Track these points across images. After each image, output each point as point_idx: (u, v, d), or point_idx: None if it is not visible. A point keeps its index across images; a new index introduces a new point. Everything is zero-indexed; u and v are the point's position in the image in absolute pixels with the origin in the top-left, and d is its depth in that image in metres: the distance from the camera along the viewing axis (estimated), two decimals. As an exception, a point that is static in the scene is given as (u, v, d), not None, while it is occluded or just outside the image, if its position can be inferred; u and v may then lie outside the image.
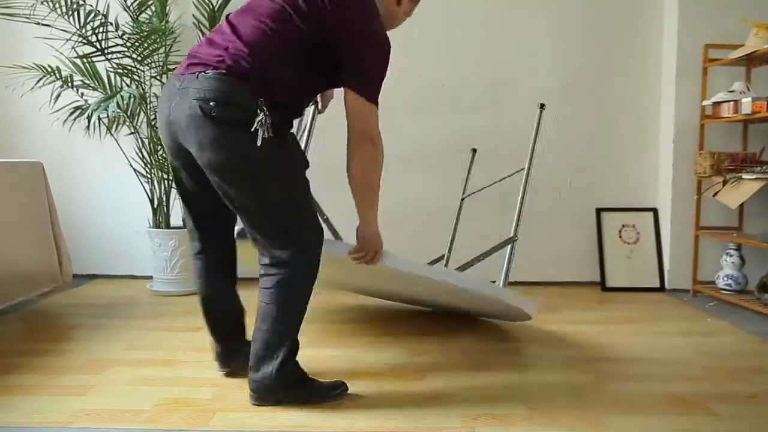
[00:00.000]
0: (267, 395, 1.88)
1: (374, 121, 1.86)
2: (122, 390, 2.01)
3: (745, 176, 3.08)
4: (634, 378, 2.18)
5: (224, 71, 1.75)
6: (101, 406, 1.88)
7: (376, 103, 1.86)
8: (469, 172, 3.16)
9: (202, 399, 1.94)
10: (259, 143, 1.72)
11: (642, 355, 2.45)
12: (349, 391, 1.96)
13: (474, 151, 3.15)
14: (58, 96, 3.38)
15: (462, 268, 2.44)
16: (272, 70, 1.80)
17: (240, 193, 1.82)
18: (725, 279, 3.37)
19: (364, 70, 1.85)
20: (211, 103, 1.72)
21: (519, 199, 2.67)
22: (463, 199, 3.14)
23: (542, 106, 2.59)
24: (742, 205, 3.47)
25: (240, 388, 2.02)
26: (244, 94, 1.75)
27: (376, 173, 1.90)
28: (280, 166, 1.82)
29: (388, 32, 1.94)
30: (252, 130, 1.72)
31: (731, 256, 3.38)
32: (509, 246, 2.57)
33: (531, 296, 3.49)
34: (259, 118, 1.72)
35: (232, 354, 2.12)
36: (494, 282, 2.58)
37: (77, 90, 3.44)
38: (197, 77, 1.77)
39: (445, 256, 3.07)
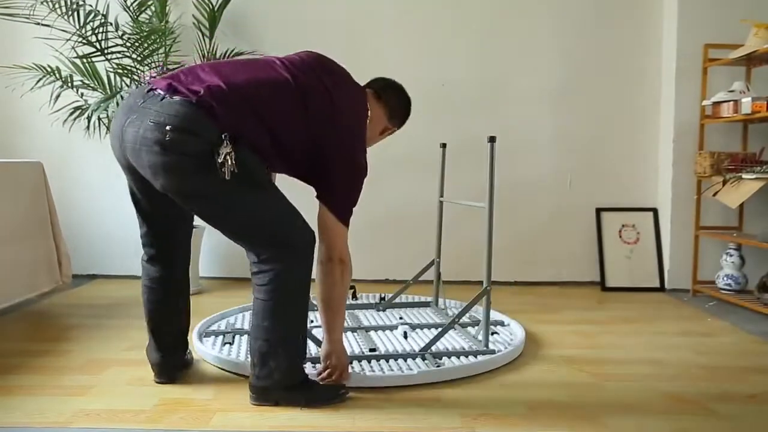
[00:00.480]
0: (267, 395, 1.87)
1: (345, 240, 1.95)
2: (122, 390, 2.01)
3: (745, 176, 3.08)
4: (634, 378, 2.18)
5: (193, 100, 1.69)
6: (101, 406, 1.88)
7: (347, 225, 1.94)
8: (443, 170, 3.06)
9: (202, 399, 1.94)
10: (227, 177, 1.66)
11: (642, 355, 2.45)
12: (349, 395, 1.96)
13: (443, 146, 3.04)
14: (58, 96, 3.38)
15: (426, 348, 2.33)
16: (246, 125, 1.75)
17: (202, 214, 1.82)
18: (725, 279, 3.37)
19: (341, 192, 1.92)
20: (167, 127, 1.66)
21: (486, 244, 2.36)
22: (442, 202, 3.05)
23: (492, 138, 2.43)
24: (742, 205, 3.47)
25: (240, 388, 2.02)
26: (207, 125, 1.68)
27: (342, 294, 1.98)
28: (240, 192, 1.74)
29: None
30: (214, 161, 1.66)
31: (731, 255, 3.38)
32: (485, 297, 2.37)
33: (532, 296, 3.50)
34: (223, 151, 1.65)
35: (175, 367, 2.10)
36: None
37: (77, 90, 3.44)
38: (161, 99, 1.71)
39: (435, 262, 3.03)
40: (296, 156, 1.88)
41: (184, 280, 2.11)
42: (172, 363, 2.10)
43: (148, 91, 1.75)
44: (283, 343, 1.84)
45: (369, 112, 2.03)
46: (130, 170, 1.85)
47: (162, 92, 1.72)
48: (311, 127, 1.85)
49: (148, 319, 2.06)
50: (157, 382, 2.06)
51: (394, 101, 2.12)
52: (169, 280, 2.05)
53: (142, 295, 2.07)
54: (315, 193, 1.94)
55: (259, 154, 1.80)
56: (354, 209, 1.96)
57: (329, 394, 1.93)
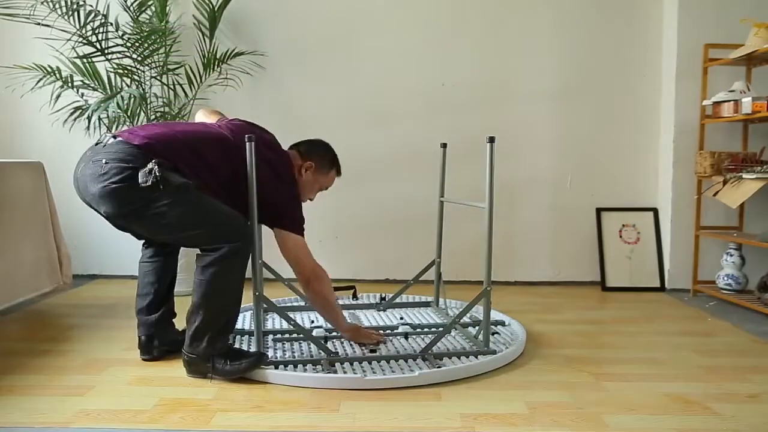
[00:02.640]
0: (195, 368, 2.11)
1: (307, 252, 2.25)
2: (122, 390, 2.01)
3: (745, 176, 3.08)
4: (634, 378, 2.18)
5: (136, 142, 1.99)
6: (101, 406, 1.88)
7: (302, 233, 2.24)
8: (443, 170, 3.07)
9: (203, 399, 1.94)
10: (151, 188, 1.93)
11: (642, 355, 2.45)
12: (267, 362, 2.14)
13: (444, 145, 3.05)
14: (59, 96, 3.38)
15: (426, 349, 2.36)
16: (181, 158, 2.04)
17: (147, 230, 2.15)
18: (725, 279, 3.37)
19: (288, 212, 2.23)
20: (103, 161, 1.95)
21: (486, 244, 2.35)
22: (442, 202, 3.05)
23: (491, 139, 2.43)
24: (742, 205, 3.47)
25: (240, 388, 2.02)
26: (138, 155, 1.97)
27: (329, 298, 2.31)
28: (170, 198, 1.97)
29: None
30: (140, 181, 1.92)
31: (731, 255, 3.38)
32: (485, 297, 2.37)
33: (532, 296, 3.50)
34: (147, 168, 1.92)
35: (156, 345, 2.34)
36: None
37: (77, 90, 3.44)
38: (107, 142, 2.03)
39: (436, 262, 3.03)
40: (221, 179, 2.14)
41: (175, 259, 2.43)
42: (162, 338, 2.34)
43: (96, 144, 2.07)
44: (217, 320, 2.09)
45: (297, 168, 2.35)
46: (91, 206, 2.10)
47: (107, 138, 2.05)
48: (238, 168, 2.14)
49: (139, 284, 2.40)
50: (143, 359, 2.31)
51: (319, 152, 2.43)
52: (162, 254, 2.38)
53: (138, 272, 2.42)
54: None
55: (186, 175, 2.04)
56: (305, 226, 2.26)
57: (251, 364, 2.10)
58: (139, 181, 1.91)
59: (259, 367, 2.10)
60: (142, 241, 2.40)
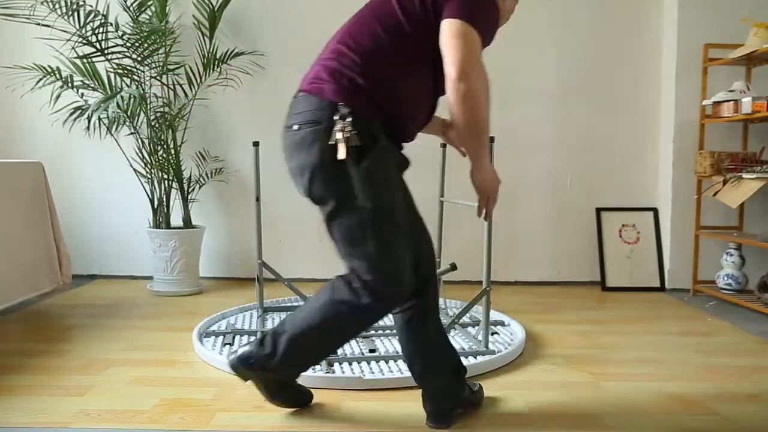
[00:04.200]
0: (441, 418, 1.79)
1: (466, 47, 1.55)
2: (122, 390, 2.01)
3: (745, 176, 3.08)
4: (634, 378, 2.18)
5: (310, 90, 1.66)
6: (101, 406, 1.88)
7: (474, 25, 1.56)
8: (443, 170, 3.06)
9: (203, 399, 1.94)
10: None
11: (642, 355, 2.45)
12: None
13: (444, 145, 3.05)
14: (58, 96, 3.38)
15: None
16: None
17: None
18: (725, 278, 3.37)
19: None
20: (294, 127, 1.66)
21: (486, 244, 2.33)
22: (442, 202, 3.05)
23: (491, 139, 2.38)
24: (742, 205, 3.47)
25: (240, 388, 2.02)
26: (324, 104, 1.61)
27: (480, 113, 1.60)
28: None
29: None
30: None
31: (731, 255, 3.38)
32: (485, 297, 2.37)
33: (532, 296, 3.50)
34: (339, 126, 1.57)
35: None
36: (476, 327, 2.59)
37: (77, 90, 3.44)
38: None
39: (437, 262, 3.03)
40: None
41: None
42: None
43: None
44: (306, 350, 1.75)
45: None
46: None
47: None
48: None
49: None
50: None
51: None
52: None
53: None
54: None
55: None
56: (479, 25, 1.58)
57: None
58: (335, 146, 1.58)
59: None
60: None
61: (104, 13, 3.29)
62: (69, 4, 3.18)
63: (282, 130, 1.71)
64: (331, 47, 1.69)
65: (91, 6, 3.27)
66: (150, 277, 3.56)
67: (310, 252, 3.71)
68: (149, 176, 3.46)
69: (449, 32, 1.56)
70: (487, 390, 2.04)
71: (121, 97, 3.15)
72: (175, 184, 3.46)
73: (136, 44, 3.31)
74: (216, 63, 3.51)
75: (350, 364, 2.21)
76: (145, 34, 3.29)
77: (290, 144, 1.66)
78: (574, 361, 2.35)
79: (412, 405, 1.91)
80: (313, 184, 1.64)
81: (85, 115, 3.35)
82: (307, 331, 1.70)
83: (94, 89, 3.43)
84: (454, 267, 2.49)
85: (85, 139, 3.63)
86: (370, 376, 2.09)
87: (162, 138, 3.41)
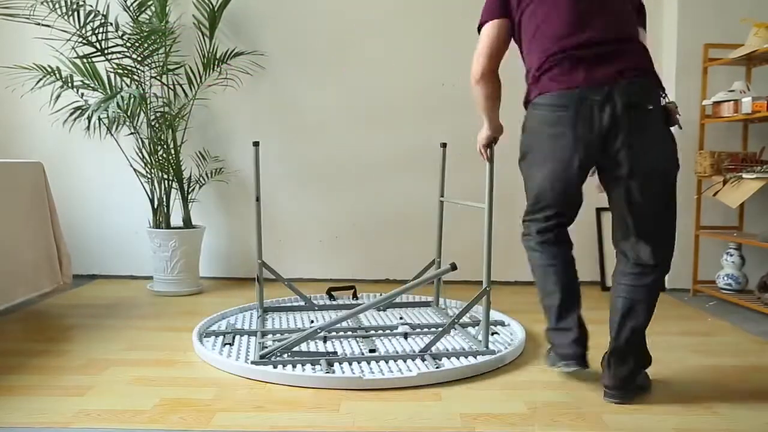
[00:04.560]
0: (628, 391, 1.97)
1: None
2: (122, 390, 2.01)
3: (745, 176, 3.08)
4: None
5: None
6: (101, 406, 1.88)
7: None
8: (443, 170, 3.07)
9: (203, 399, 1.94)
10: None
11: (642, 354, 2.45)
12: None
13: (444, 145, 3.06)
14: (58, 96, 3.38)
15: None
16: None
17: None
18: (725, 278, 3.37)
19: None
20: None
21: (486, 244, 2.39)
22: (442, 202, 3.06)
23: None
24: (742, 205, 3.47)
25: (240, 388, 2.02)
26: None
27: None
28: None
29: None
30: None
31: (731, 255, 3.38)
32: (485, 297, 2.38)
33: (532, 296, 3.49)
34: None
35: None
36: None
37: (77, 90, 3.44)
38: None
39: (436, 262, 3.03)
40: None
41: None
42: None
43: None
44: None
45: None
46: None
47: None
48: None
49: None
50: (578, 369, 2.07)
51: None
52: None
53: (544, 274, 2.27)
54: None
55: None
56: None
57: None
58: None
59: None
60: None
61: (104, 13, 3.29)
62: (69, 4, 3.18)
63: None
64: None
65: (91, 6, 3.27)
66: (150, 277, 3.57)
67: (310, 252, 3.72)
68: (149, 176, 3.46)
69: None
70: (488, 390, 2.04)
71: (121, 97, 3.15)
72: (175, 184, 3.46)
73: (136, 44, 3.31)
74: (216, 63, 3.51)
75: (350, 364, 2.21)
76: (145, 34, 3.29)
77: None
78: (574, 361, 2.34)
79: (412, 405, 1.91)
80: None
81: (85, 115, 3.35)
82: None
83: (94, 89, 3.43)
84: (454, 267, 2.50)
85: (85, 139, 3.63)
86: (370, 376, 2.09)
87: (162, 138, 3.41)
